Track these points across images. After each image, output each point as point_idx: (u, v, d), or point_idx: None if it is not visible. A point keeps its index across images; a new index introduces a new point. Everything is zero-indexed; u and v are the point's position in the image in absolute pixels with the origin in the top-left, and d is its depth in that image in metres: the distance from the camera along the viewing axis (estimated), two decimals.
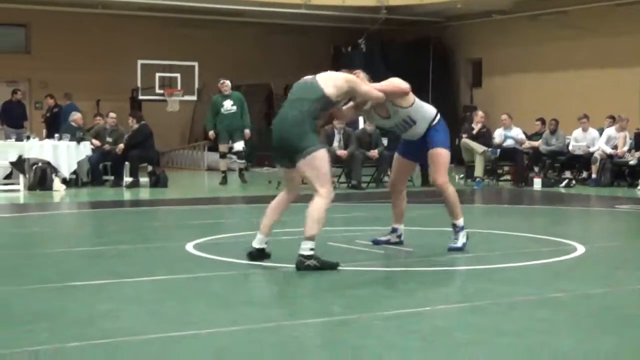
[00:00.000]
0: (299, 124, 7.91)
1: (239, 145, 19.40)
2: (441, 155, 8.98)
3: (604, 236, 11.69)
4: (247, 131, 19.36)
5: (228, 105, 19.23)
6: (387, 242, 9.30)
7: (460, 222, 9.03)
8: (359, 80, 8.43)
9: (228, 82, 19.49)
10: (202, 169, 25.51)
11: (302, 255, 7.80)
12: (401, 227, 9.33)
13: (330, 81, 8.16)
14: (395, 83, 8.80)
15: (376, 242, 9.38)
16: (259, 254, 8.29)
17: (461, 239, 8.98)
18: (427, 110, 8.97)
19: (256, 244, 8.30)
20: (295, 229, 10.23)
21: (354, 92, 8.35)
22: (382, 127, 9.27)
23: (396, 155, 9.35)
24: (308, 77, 8.32)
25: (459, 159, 21.21)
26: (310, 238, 7.83)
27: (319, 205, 7.95)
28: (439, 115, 9.04)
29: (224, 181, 19.47)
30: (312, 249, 7.83)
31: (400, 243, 9.26)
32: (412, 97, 8.83)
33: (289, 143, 7.93)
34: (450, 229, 9.13)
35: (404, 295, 6.94)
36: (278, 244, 9.88)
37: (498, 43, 27.52)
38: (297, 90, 8.25)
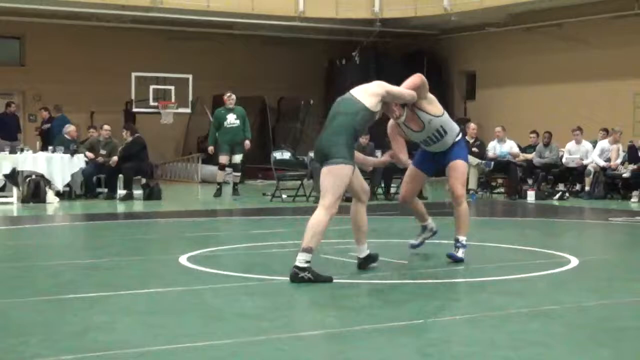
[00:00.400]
0: (337, 134, 8.06)
1: (238, 158, 19.45)
2: (463, 167, 9.28)
3: (598, 249, 11.71)
4: (247, 142, 19.42)
5: (232, 119, 19.29)
6: (423, 242, 9.78)
7: (463, 239, 9.19)
8: (387, 84, 8.58)
9: (234, 96, 19.54)
10: (195, 181, 25.49)
11: (297, 267, 7.81)
12: (429, 222, 9.75)
13: (365, 92, 8.33)
14: (412, 78, 8.90)
15: (413, 247, 9.77)
16: (365, 262, 8.58)
17: (461, 252, 9.16)
18: (454, 124, 9.29)
19: (360, 254, 8.58)
20: (289, 242, 10.24)
21: (388, 95, 8.46)
22: (414, 140, 9.31)
23: (411, 166, 9.40)
24: (344, 95, 8.47)
25: None
26: (307, 250, 7.83)
27: (320, 218, 7.96)
28: (461, 133, 9.38)
29: (219, 193, 19.50)
30: (307, 262, 7.83)
31: (434, 234, 9.76)
32: (439, 106, 9.15)
33: (323, 151, 8.07)
34: (451, 242, 9.20)
35: (397, 308, 6.93)
36: (272, 256, 9.89)
37: (492, 56, 27.58)
38: (335, 107, 8.38)
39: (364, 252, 8.56)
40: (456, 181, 9.21)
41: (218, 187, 19.67)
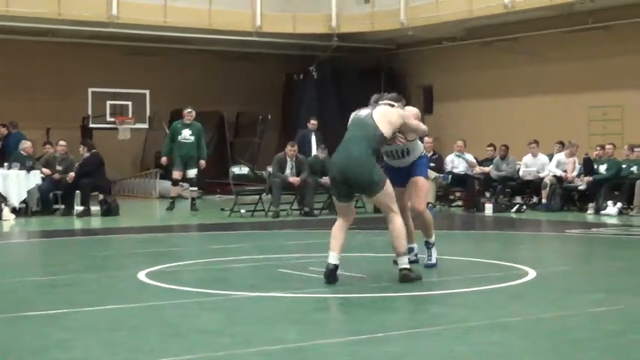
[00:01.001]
0: (368, 162, 8.51)
1: (192, 173, 19.40)
2: (424, 184, 9.61)
3: (555, 260, 11.79)
4: (202, 162, 19.39)
5: (187, 135, 19.26)
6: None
7: (432, 239, 9.74)
8: (409, 115, 9.21)
9: (194, 113, 19.55)
10: (153, 197, 25.37)
11: (407, 269, 8.53)
12: (414, 246, 9.83)
13: (385, 119, 8.75)
14: (416, 112, 9.91)
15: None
16: (335, 269, 8.54)
17: (434, 255, 9.80)
18: (419, 145, 9.68)
19: (333, 260, 8.53)
20: (247, 256, 10.21)
21: (405, 127, 9.00)
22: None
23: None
24: (364, 112, 8.83)
25: None
26: (405, 252, 8.59)
27: (399, 223, 8.63)
28: (424, 151, 9.84)
29: (172, 206, 19.45)
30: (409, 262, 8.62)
31: (415, 262, 9.62)
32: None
33: (361, 180, 8.52)
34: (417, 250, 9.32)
35: (358, 321, 6.93)
36: (230, 271, 9.85)
37: (449, 69, 27.72)
38: (356, 126, 8.76)
39: (338, 260, 8.60)
40: (417, 198, 9.52)
41: (171, 201, 19.64)
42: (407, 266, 8.53)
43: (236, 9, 26.52)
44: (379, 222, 13.86)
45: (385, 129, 8.65)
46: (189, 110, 19.54)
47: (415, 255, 9.80)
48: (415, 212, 9.55)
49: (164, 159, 19.72)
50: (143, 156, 28.85)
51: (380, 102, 9.06)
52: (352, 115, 8.98)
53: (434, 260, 9.77)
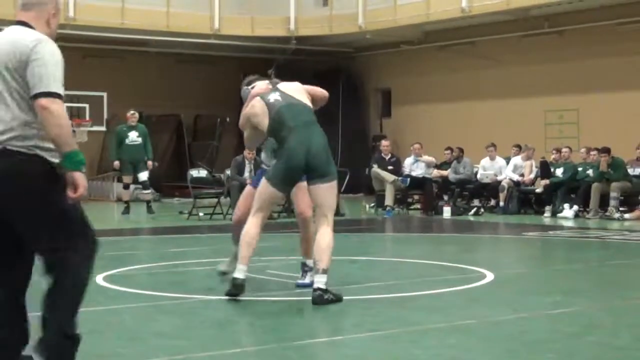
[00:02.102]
0: (325, 149, 7.92)
1: (144, 176, 19.27)
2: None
3: (513, 263, 11.86)
4: (150, 162, 19.26)
5: (133, 137, 19.14)
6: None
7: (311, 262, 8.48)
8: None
9: (137, 114, 19.47)
10: (111, 199, 25.21)
11: (321, 289, 7.56)
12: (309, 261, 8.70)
13: (299, 92, 8.25)
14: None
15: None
16: (243, 284, 7.75)
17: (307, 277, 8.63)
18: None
19: (241, 275, 7.73)
20: (206, 260, 10.17)
21: (314, 96, 8.41)
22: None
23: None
24: (293, 99, 8.15)
25: (369, 188, 21.37)
26: (326, 271, 7.63)
27: (330, 236, 7.79)
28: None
29: (127, 211, 19.38)
30: (326, 283, 7.62)
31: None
32: None
33: (319, 166, 7.81)
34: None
35: (315, 325, 6.93)
36: (188, 274, 9.82)
37: (407, 73, 27.81)
38: (301, 113, 8.05)
39: (245, 274, 7.85)
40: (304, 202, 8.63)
41: (126, 205, 19.54)
42: (324, 287, 7.58)
43: (194, 12, 26.44)
44: (339, 224, 13.89)
45: (309, 103, 8.16)
46: (132, 112, 19.44)
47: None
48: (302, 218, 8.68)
49: (116, 163, 19.50)
50: (100, 159, 28.66)
51: (276, 83, 8.52)
52: (264, 100, 8.23)
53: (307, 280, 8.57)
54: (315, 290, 7.57)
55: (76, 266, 4.84)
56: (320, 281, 7.60)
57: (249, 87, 8.66)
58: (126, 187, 19.70)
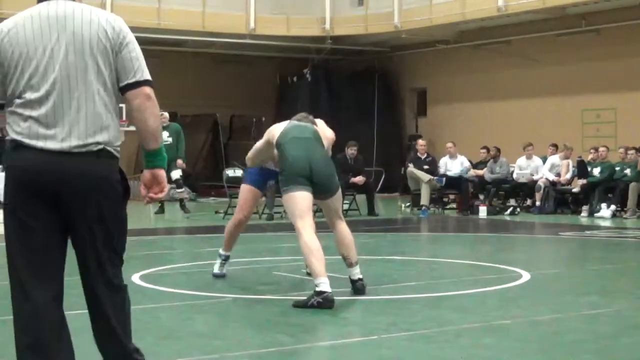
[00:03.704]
0: (330, 167, 8.17)
1: (176, 174, 19.30)
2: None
3: (549, 263, 11.80)
4: (179, 161, 19.29)
5: (164, 137, 19.15)
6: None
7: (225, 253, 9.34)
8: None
9: (167, 114, 19.54)
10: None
11: (361, 279, 8.07)
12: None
13: (324, 135, 8.45)
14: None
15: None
16: (332, 298, 7.52)
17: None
18: None
19: (327, 287, 7.49)
20: (241, 259, 10.21)
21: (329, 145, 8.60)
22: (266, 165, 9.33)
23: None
24: (307, 123, 8.42)
25: (404, 188, 21.34)
26: (357, 262, 8.09)
27: (349, 230, 8.21)
28: None
29: (161, 210, 19.41)
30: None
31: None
32: None
33: (327, 182, 8.03)
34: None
35: (351, 324, 6.93)
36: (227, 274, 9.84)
37: (442, 72, 27.74)
38: (308, 131, 8.28)
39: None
40: None
41: (160, 205, 19.58)
42: (361, 276, 8.08)
43: (230, 12, 26.52)
44: (372, 224, 13.89)
45: (326, 145, 8.42)
46: (161, 112, 19.47)
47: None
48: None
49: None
50: (136, 159, 28.81)
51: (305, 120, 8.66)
52: (287, 126, 8.42)
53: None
54: (357, 281, 8.03)
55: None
56: (357, 272, 8.05)
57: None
58: None
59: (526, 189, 20.47)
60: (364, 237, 13.78)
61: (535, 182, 19.98)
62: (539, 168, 20.40)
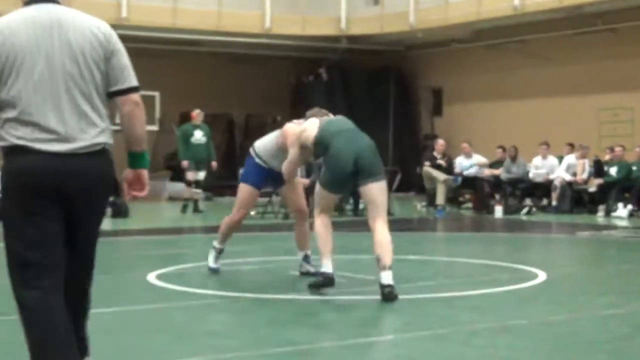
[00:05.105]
0: (375, 150, 8.10)
1: (202, 175, 19.42)
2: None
3: (565, 263, 11.77)
4: (214, 163, 19.43)
5: (199, 136, 19.24)
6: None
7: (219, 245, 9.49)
8: None
9: (202, 113, 19.57)
10: (163, 199, 25.38)
11: (391, 285, 7.64)
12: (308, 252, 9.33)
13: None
14: None
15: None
16: (333, 277, 8.01)
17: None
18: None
19: (330, 269, 7.97)
20: (256, 258, 10.22)
21: None
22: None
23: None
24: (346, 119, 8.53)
25: (420, 187, 21.31)
26: (391, 267, 7.71)
27: (388, 232, 7.91)
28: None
29: (185, 210, 19.44)
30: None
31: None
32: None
33: (370, 166, 7.96)
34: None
35: (366, 324, 6.92)
36: (238, 273, 9.86)
37: (458, 71, 27.72)
38: (346, 123, 8.38)
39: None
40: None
41: (185, 204, 19.60)
42: (393, 282, 7.69)
43: (246, 11, 26.57)
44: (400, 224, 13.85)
45: None
46: (198, 111, 19.56)
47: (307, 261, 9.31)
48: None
49: (185, 163, 19.45)
50: (152, 158, 28.86)
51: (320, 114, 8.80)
52: (323, 121, 8.46)
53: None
54: (386, 286, 7.61)
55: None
56: (388, 277, 7.65)
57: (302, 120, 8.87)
58: (189, 184, 19.69)
59: (542, 189, 20.42)
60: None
61: (551, 181, 19.93)
62: (555, 167, 20.35)
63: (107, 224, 17.42)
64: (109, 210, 18.72)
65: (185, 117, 23.02)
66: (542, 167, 20.58)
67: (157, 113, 24.88)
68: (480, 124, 26.44)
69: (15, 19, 4.20)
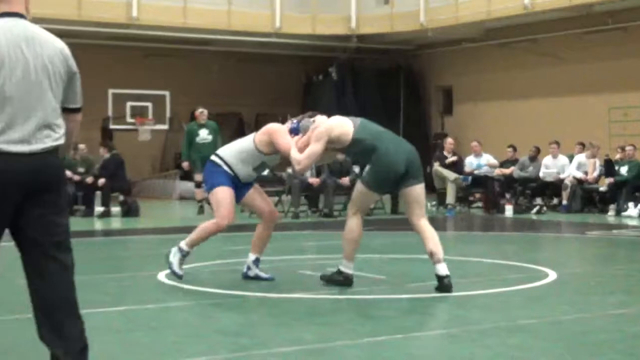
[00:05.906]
0: (417, 154, 8.43)
1: None
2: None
3: (575, 262, 11.75)
4: None
5: (204, 135, 18.98)
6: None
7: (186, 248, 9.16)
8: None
9: (206, 112, 19.36)
10: (173, 198, 25.42)
11: (450, 276, 8.10)
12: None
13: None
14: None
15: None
16: (351, 278, 8.44)
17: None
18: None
19: (351, 271, 8.44)
20: (265, 258, 10.22)
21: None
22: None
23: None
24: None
25: (430, 187, 21.24)
26: (444, 259, 8.15)
27: (432, 227, 8.35)
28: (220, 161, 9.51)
29: (202, 211, 19.10)
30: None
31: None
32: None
33: (419, 169, 8.40)
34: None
35: (377, 323, 6.92)
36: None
37: (468, 71, 27.69)
38: (379, 125, 8.59)
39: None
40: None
41: (200, 205, 19.25)
42: (449, 273, 8.15)
43: (256, 10, 26.57)
44: (398, 224, 13.86)
45: None
46: (201, 110, 19.29)
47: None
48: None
49: (185, 164, 19.36)
50: (163, 157, 28.93)
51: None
52: (357, 121, 8.49)
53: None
54: (445, 277, 8.04)
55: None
56: (444, 268, 8.08)
57: (311, 119, 8.77)
58: (198, 185, 19.47)
59: (552, 188, 20.38)
60: (389, 236, 13.77)
61: (562, 180, 19.90)
62: (566, 167, 20.31)
63: (117, 223, 17.49)
64: (119, 210, 18.79)
65: (194, 116, 23.03)
66: (552, 166, 20.54)
67: (168, 112, 24.90)
68: (490, 123, 26.41)
69: None
